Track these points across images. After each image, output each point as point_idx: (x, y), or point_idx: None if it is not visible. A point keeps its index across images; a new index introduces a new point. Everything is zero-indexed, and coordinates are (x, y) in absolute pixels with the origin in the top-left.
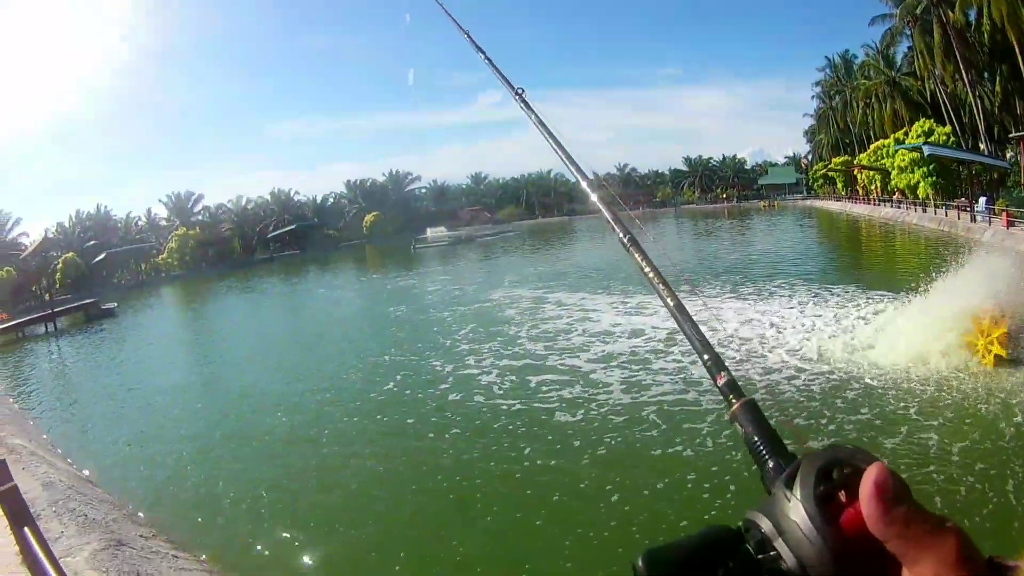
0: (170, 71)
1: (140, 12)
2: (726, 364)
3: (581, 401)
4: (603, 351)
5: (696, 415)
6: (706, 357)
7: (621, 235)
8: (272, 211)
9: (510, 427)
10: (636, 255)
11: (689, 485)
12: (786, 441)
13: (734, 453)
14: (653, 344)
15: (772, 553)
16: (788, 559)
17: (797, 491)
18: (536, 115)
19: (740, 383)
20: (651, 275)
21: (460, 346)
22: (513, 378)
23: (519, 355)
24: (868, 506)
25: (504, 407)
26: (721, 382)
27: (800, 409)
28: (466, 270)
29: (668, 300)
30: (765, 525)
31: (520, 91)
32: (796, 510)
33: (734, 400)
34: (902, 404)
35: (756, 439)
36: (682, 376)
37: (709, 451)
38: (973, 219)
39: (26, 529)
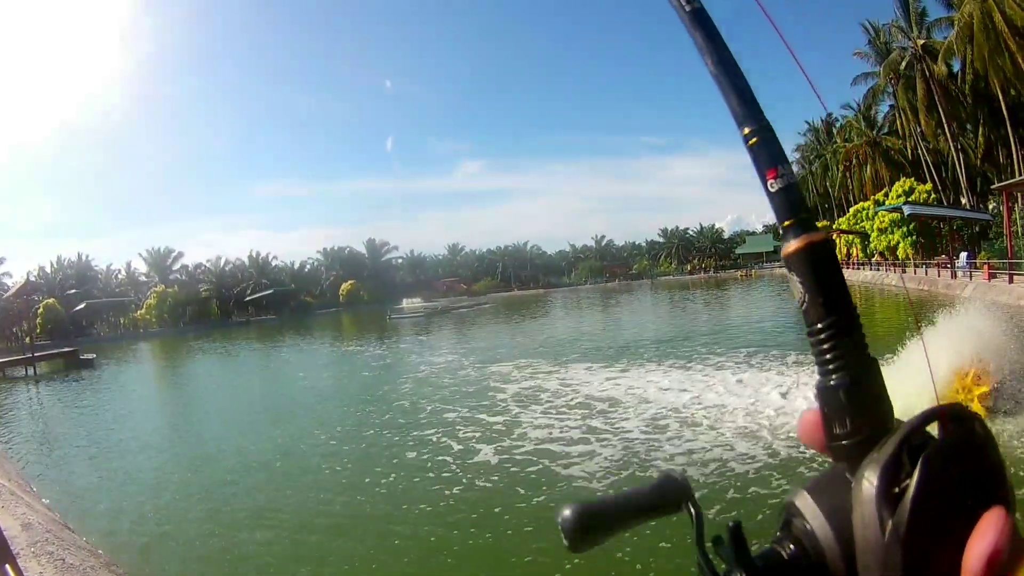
0: (156, 120)
1: (128, 59)
2: (787, 158)
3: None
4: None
5: None
6: (735, 101)
7: None
8: (250, 274)
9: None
10: None
11: None
12: None
13: None
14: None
15: (805, 561)
16: None
17: (905, 510)
18: None
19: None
20: None
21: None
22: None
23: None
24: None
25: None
26: (776, 186)
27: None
28: (436, 341)
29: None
30: (817, 525)
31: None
32: (893, 546)
33: (792, 227)
34: None
35: (820, 324)
36: None
37: None
38: (954, 275)
39: (7, 566)
